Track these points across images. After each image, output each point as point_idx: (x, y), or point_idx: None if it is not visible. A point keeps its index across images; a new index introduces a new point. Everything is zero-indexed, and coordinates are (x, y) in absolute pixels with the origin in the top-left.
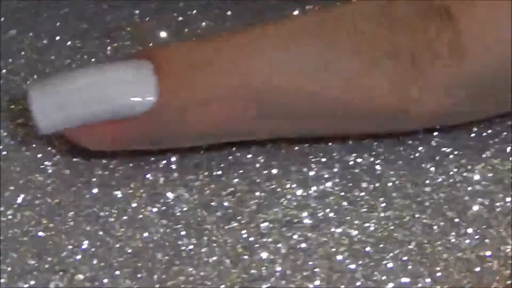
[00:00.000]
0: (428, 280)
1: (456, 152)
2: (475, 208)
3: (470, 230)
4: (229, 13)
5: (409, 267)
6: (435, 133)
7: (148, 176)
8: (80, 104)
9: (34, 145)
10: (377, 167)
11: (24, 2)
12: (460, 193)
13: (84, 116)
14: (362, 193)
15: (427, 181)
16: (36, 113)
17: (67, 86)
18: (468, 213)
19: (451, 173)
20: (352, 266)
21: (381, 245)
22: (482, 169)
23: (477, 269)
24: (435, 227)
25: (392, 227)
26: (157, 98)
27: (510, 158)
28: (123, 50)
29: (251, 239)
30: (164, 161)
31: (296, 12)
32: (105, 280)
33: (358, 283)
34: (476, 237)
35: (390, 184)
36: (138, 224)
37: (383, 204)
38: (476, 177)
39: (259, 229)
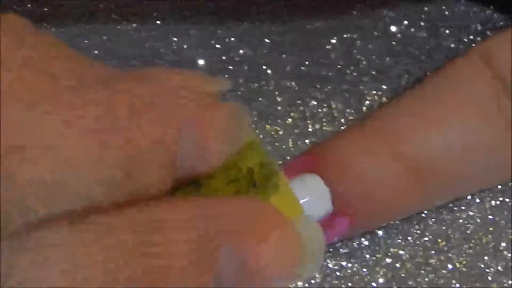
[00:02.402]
0: None
1: None
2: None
3: (508, 254)
4: (267, 40)
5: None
6: None
7: None
8: None
9: None
10: None
11: (66, 29)
12: (496, 219)
13: None
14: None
15: (463, 207)
16: None
17: None
18: (505, 237)
19: (486, 198)
20: None
21: (417, 272)
22: None
23: None
24: (470, 250)
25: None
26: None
27: None
28: None
29: None
30: None
31: (333, 41)
32: None
33: None
34: None
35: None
36: None
37: (419, 231)
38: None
39: None
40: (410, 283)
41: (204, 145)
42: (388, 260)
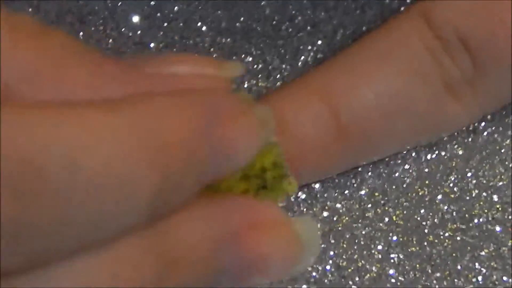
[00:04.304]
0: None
1: None
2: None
3: (444, 207)
4: None
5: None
6: None
7: None
8: None
9: None
10: None
11: None
12: (432, 172)
13: None
14: None
15: (399, 161)
16: None
17: None
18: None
19: (422, 152)
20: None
21: (354, 225)
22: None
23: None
24: (407, 203)
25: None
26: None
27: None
28: (96, 35)
29: None
30: None
31: None
32: None
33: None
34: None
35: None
36: None
37: (355, 184)
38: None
39: None
40: (347, 236)
41: (231, 151)
42: (325, 213)
